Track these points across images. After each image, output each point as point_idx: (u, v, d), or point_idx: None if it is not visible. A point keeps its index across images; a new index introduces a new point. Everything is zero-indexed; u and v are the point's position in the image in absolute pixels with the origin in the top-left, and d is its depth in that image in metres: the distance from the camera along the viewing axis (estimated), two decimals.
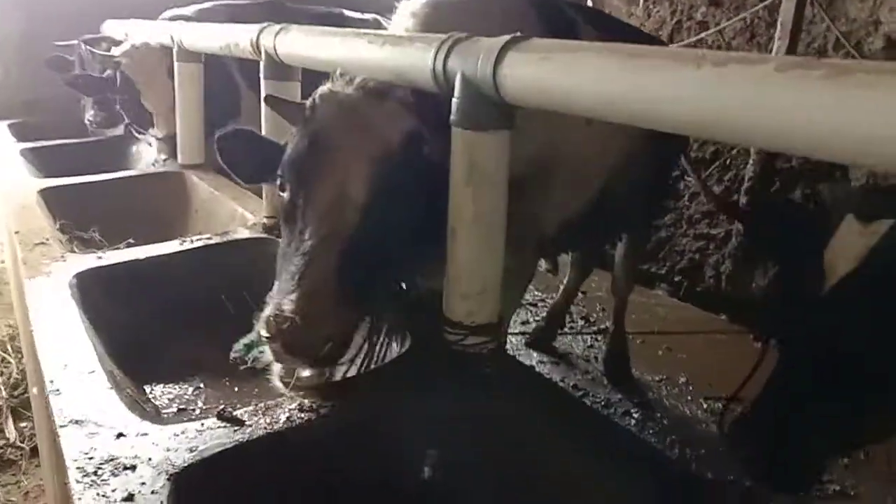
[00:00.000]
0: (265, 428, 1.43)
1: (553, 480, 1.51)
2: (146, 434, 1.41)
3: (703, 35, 6.49)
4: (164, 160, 3.89)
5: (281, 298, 1.45)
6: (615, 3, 7.65)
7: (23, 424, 2.77)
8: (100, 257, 2.36)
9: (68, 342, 1.79)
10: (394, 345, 1.78)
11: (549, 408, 1.64)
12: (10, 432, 2.72)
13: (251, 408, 1.51)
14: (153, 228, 3.19)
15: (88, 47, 4.69)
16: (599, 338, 4.26)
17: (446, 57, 1.58)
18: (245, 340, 1.70)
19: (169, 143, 3.87)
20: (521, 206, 1.87)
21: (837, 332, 1.37)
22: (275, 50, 2.45)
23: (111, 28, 4.84)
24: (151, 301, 2.30)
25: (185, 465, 1.32)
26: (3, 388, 2.99)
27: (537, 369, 3.76)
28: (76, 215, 3.26)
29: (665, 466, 1.58)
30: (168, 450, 1.35)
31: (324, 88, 1.73)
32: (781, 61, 0.98)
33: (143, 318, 2.26)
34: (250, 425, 1.45)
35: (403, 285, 1.82)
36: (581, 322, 4.44)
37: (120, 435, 1.40)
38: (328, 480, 1.49)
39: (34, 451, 2.60)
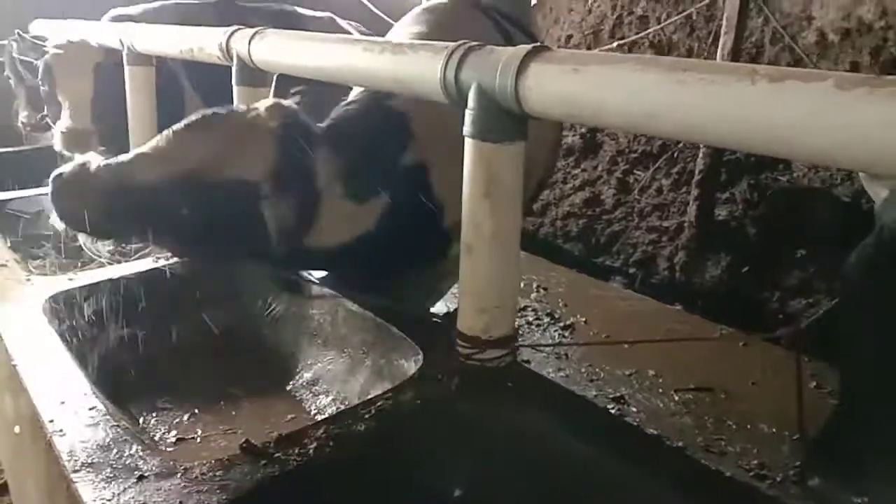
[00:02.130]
0: (296, 459, 1.37)
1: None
2: (170, 475, 1.32)
3: (645, 33, 6.64)
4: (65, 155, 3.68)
5: None
6: None
7: None
8: (71, 279, 2.21)
9: (58, 376, 1.68)
10: None
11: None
12: None
13: (275, 437, 1.44)
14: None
15: (19, 31, 4.41)
16: (566, 333, 4.31)
17: (458, 67, 1.55)
18: None
19: (71, 137, 3.63)
20: None
21: None
22: (249, 55, 2.35)
23: (41, 28, 4.56)
24: (132, 324, 2.18)
25: None
26: None
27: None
28: (25, 232, 3.08)
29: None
30: (199, 492, 1.27)
31: None
32: (841, 78, 0.99)
33: (123, 341, 2.14)
34: (277, 456, 1.39)
35: None
36: (547, 319, 4.49)
37: (141, 478, 1.32)
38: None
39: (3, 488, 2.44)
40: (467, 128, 1.56)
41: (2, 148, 4.58)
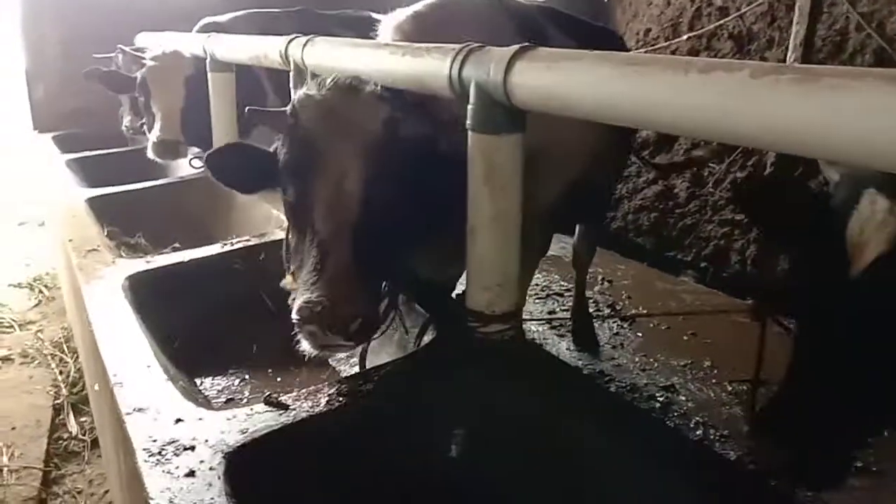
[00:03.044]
0: (308, 411, 1.59)
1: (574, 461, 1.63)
2: (202, 419, 1.57)
3: (723, 21, 6.51)
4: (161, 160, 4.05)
5: (308, 288, 1.61)
6: None
7: (83, 419, 2.98)
8: (148, 261, 2.54)
9: (126, 340, 1.97)
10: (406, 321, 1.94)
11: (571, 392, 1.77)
12: (72, 426, 2.93)
13: (294, 394, 1.66)
14: (194, 232, 3.39)
15: (122, 47, 4.88)
16: (625, 325, 4.36)
17: (461, 66, 1.71)
18: None
19: (161, 147, 3.99)
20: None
21: (878, 315, 1.36)
22: (302, 61, 2.60)
23: (144, 40, 5.05)
24: (197, 300, 2.47)
25: (238, 444, 1.47)
26: (63, 386, 3.20)
27: (565, 357, 3.90)
28: (122, 222, 3.47)
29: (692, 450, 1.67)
30: (222, 432, 1.51)
31: (300, 94, 1.88)
32: (757, 67, 1.09)
33: (190, 316, 2.43)
34: (294, 409, 1.60)
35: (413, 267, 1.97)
36: (607, 310, 4.55)
37: (178, 420, 1.56)
38: (365, 458, 1.64)
39: (95, 443, 2.80)
40: (469, 121, 1.72)
41: (111, 149, 5.10)
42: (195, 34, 4.11)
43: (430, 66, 1.83)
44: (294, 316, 1.61)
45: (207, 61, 3.76)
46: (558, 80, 1.44)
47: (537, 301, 4.74)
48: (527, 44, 1.60)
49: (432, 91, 1.87)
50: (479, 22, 2.27)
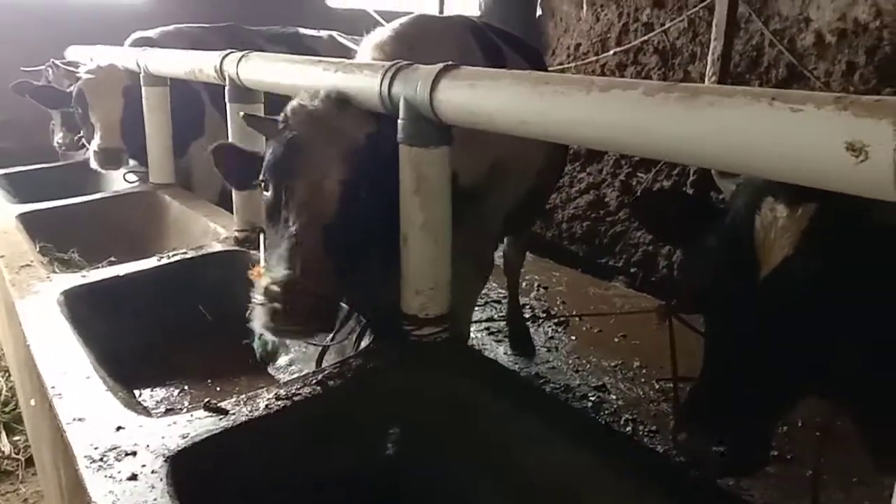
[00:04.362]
0: (247, 415, 1.64)
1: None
2: (142, 426, 1.61)
3: (648, 36, 6.82)
4: (103, 170, 4.04)
5: (274, 271, 1.77)
6: (565, 8, 7.97)
7: (16, 438, 2.93)
8: (84, 276, 2.53)
9: (64, 354, 1.98)
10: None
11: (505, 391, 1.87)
12: (5, 445, 2.88)
13: (234, 399, 1.71)
14: (130, 247, 3.37)
15: (55, 60, 4.81)
16: (560, 329, 4.52)
17: (391, 83, 1.81)
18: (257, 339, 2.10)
19: (103, 155, 3.98)
20: (484, 205, 2.48)
21: (784, 315, 1.50)
22: (237, 76, 2.65)
23: (75, 53, 4.98)
24: (135, 313, 2.49)
25: (179, 448, 1.52)
26: None
27: (502, 360, 4.02)
28: (55, 238, 3.42)
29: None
30: (163, 437, 1.55)
31: (293, 104, 2.01)
32: (649, 86, 1.22)
33: (127, 329, 2.44)
34: (234, 413, 1.66)
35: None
36: (542, 315, 4.70)
37: (119, 427, 1.60)
38: (305, 459, 1.70)
39: (29, 462, 2.77)
40: (399, 134, 1.82)
41: (41, 165, 4.99)
42: (128, 48, 4.10)
43: (362, 83, 1.92)
44: (256, 296, 1.75)
45: (141, 75, 3.76)
46: (479, 97, 1.56)
47: (476, 308, 4.85)
48: (450, 63, 1.71)
49: (365, 107, 1.96)
50: (450, 40, 2.53)
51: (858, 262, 1.41)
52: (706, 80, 5.27)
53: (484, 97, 1.54)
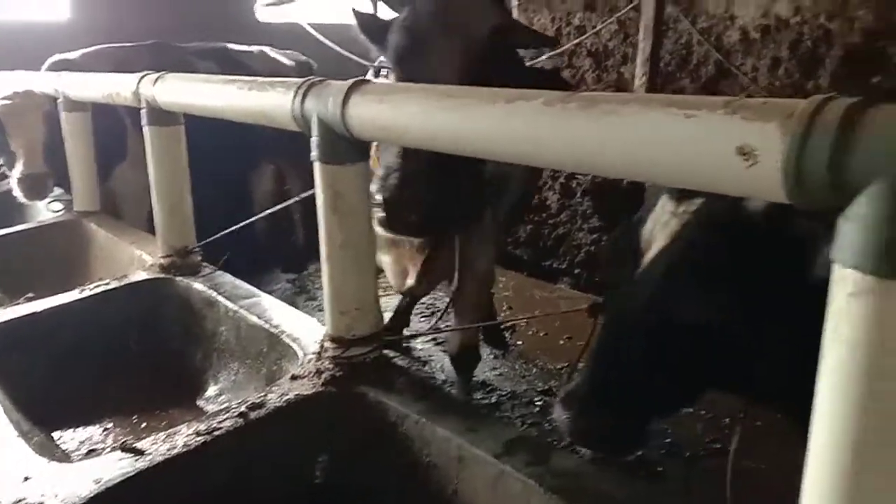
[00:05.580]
0: (164, 455, 1.57)
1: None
2: (53, 474, 1.52)
3: (581, 39, 6.89)
4: (26, 200, 3.87)
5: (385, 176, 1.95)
6: None
7: None
8: None
9: None
10: None
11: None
12: None
13: (151, 438, 1.64)
14: (54, 279, 3.23)
15: None
16: (507, 334, 4.52)
17: (303, 100, 1.76)
18: None
19: (27, 183, 3.81)
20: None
21: (651, 304, 1.57)
22: (154, 98, 2.57)
23: None
24: (55, 350, 2.38)
25: (92, 495, 1.44)
26: None
27: (448, 372, 3.98)
28: None
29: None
30: (74, 485, 1.47)
31: None
32: (550, 96, 1.20)
33: (47, 367, 2.34)
34: (150, 453, 1.58)
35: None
36: (489, 321, 4.69)
37: (27, 478, 1.51)
38: (228, 496, 1.64)
39: None
40: (314, 153, 1.77)
41: None
42: (45, 73, 3.95)
43: (275, 101, 1.87)
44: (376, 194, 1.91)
45: (60, 101, 3.62)
46: (389, 112, 1.52)
47: (422, 319, 4.82)
48: (361, 78, 1.67)
49: (279, 125, 1.91)
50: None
51: (732, 257, 1.46)
52: (636, 79, 5.35)
53: (393, 112, 1.51)
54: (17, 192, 3.86)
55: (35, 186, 3.83)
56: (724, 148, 0.94)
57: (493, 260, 3.19)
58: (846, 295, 0.85)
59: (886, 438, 0.83)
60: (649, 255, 1.61)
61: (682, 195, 1.62)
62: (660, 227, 1.62)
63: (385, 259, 2.71)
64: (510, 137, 1.26)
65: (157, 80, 2.57)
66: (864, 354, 0.82)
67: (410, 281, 2.60)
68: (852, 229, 0.85)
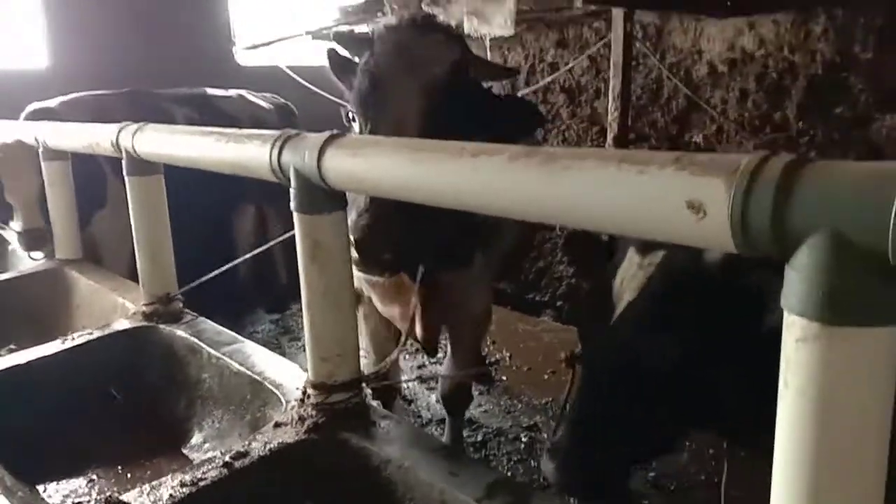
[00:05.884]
0: None
1: None
2: None
3: (554, 76, 7.04)
4: (33, 255, 3.87)
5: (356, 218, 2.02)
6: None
7: None
8: None
9: None
10: None
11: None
12: None
13: (136, 490, 1.65)
14: (36, 329, 3.23)
15: None
16: (492, 369, 4.55)
17: (279, 153, 1.81)
18: None
19: (28, 237, 3.81)
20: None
21: (624, 355, 1.64)
22: (133, 149, 2.61)
23: None
24: (38, 402, 2.37)
25: None
26: None
27: (434, 410, 4.00)
28: None
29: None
30: None
31: (379, 27, 2.26)
32: (513, 151, 1.26)
33: (30, 420, 2.33)
34: None
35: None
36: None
37: None
38: None
39: None
40: (293, 203, 1.82)
41: None
42: (24, 122, 3.98)
43: (253, 153, 1.92)
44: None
45: (40, 150, 3.65)
46: (363, 165, 1.58)
47: (407, 357, 4.84)
48: (335, 131, 1.73)
49: (260, 177, 1.96)
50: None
51: (693, 307, 1.53)
52: (609, 114, 5.48)
53: (367, 165, 1.56)
54: (21, 248, 3.86)
55: (35, 241, 3.83)
56: (675, 202, 1.00)
57: (486, 303, 3.23)
58: (794, 341, 0.91)
59: (834, 484, 0.87)
60: (620, 307, 1.69)
61: (646, 247, 1.71)
62: (628, 279, 1.71)
63: (390, 312, 2.76)
64: (476, 191, 1.31)
65: (136, 131, 2.62)
66: (810, 399, 0.88)
67: (418, 328, 2.62)
68: (796, 278, 0.91)
